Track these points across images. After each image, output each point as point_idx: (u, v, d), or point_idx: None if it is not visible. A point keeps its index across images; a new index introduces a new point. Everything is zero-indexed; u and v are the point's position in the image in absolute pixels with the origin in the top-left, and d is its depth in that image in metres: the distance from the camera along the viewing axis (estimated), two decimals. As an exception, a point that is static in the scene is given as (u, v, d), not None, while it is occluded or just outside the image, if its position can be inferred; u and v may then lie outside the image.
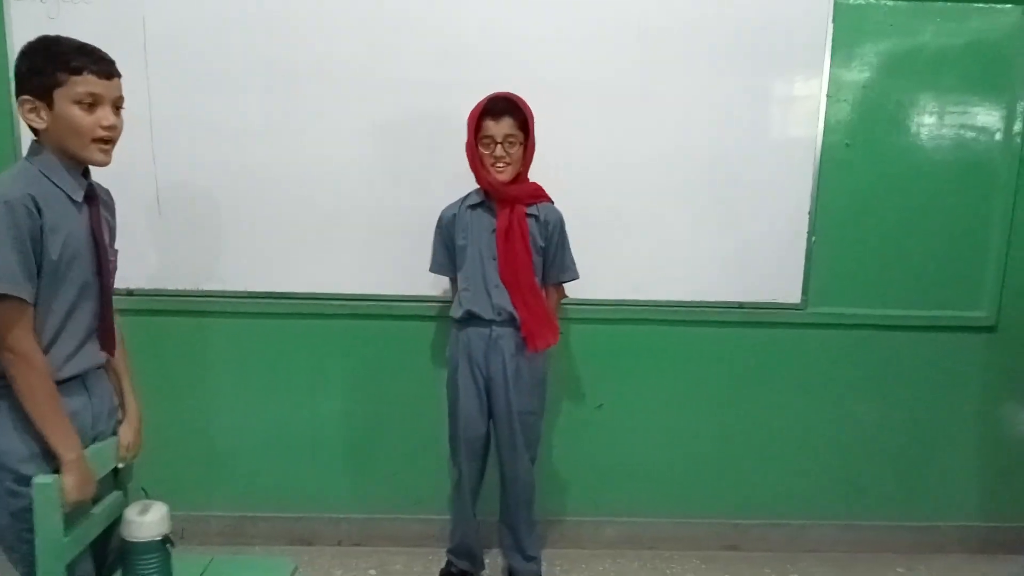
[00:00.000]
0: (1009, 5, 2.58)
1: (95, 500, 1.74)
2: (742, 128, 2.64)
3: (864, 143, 2.65)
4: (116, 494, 1.86)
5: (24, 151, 2.42)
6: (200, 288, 2.63)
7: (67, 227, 1.61)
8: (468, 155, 2.32)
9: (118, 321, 1.87)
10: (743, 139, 2.64)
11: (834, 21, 2.55)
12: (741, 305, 2.73)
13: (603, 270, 2.66)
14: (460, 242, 2.37)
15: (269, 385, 2.73)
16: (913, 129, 2.66)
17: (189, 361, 2.71)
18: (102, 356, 1.79)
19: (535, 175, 2.41)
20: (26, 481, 1.58)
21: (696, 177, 2.66)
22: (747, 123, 2.64)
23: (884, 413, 2.84)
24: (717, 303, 2.73)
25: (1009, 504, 2.93)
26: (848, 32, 2.57)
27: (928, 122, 2.66)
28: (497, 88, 2.44)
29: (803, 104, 2.62)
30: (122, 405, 1.89)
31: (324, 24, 2.51)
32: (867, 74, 2.62)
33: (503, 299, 2.35)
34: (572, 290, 2.61)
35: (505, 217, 2.33)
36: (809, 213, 2.66)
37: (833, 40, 2.57)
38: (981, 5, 2.59)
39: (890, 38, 2.60)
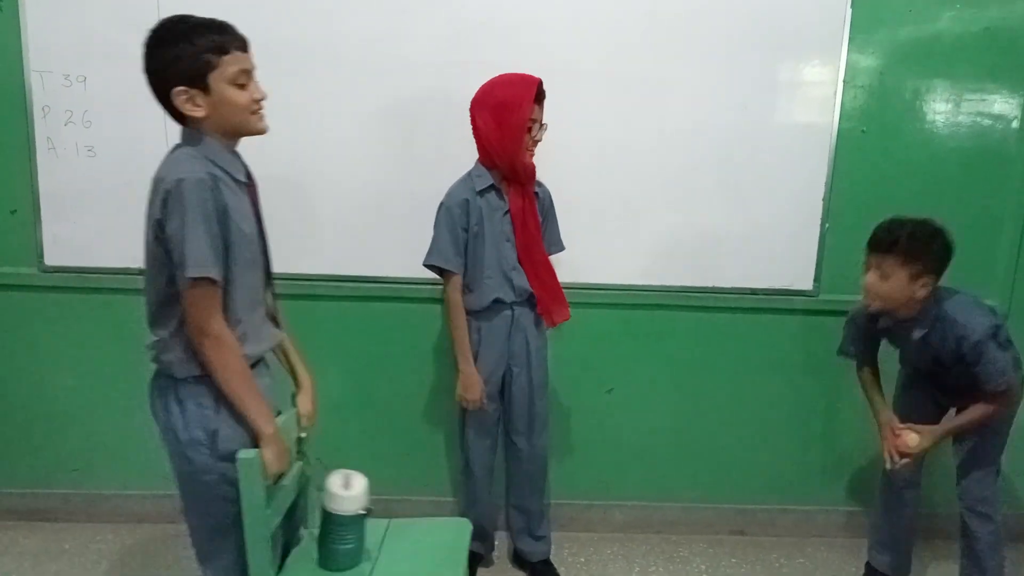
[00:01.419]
0: (1028, -8, 2.56)
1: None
2: (757, 114, 2.63)
3: (879, 130, 2.64)
4: (299, 464, 1.87)
5: (36, 132, 2.49)
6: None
7: (239, 208, 1.61)
8: (509, 137, 2.23)
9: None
10: (758, 125, 2.63)
11: (852, 6, 2.53)
12: (753, 291, 2.73)
13: (613, 255, 2.67)
14: (474, 228, 2.32)
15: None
16: (929, 116, 2.65)
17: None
18: (279, 334, 1.82)
19: (547, 157, 2.40)
20: (231, 460, 1.60)
21: (709, 162, 2.65)
22: (762, 109, 2.63)
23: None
24: (729, 289, 2.73)
25: (1015, 494, 2.93)
26: (866, 18, 2.55)
27: (944, 109, 2.65)
28: (506, 70, 2.44)
29: (819, 90, 2.60)
30: (295, 377, 1.91)
31: (332, 5, 2.49)
32: (884, 60, 2.60)
33: (522, 280, 2.36)
34: (583, 275, 2.62)
35: (519, 198, 2.33)
36: (823, 200, 2.66)
37: (851, 26, 2.55)
38: (999, -8, 2.57)
39: (908, 24, 2.58)
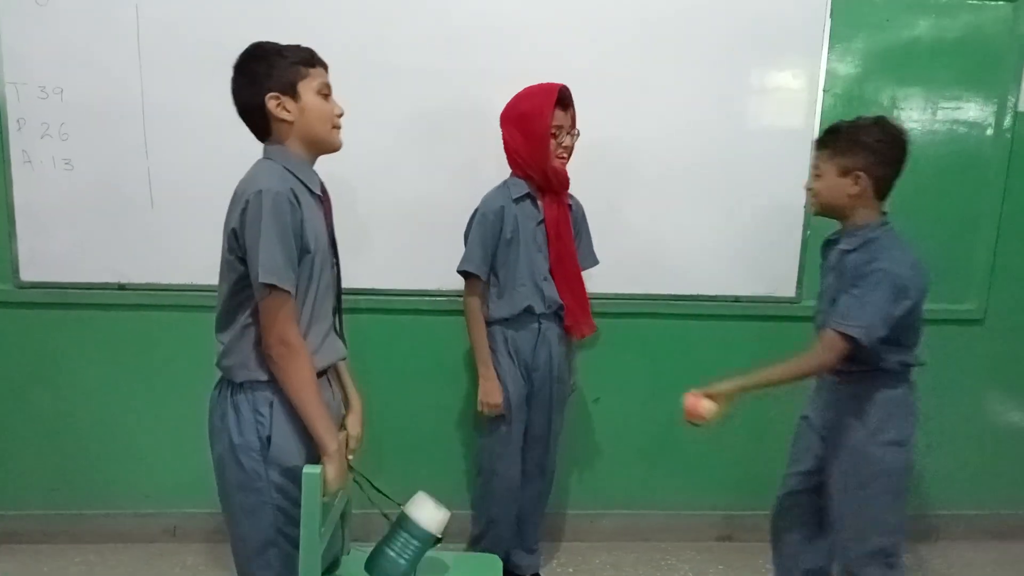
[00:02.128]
0: (1001, 1, 2.62)
1: None
2: (739, 121, 2.65)
3: (859, 137, 2.68)
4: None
5: (11, 145, 2.44)
6: (194, 283, 2.58)
7: (314, 221, 1.63)
8: (535, 146, 2.25)
9: None
10: (740, 132, 2.66)
11: (832, 16, 2.57)
12: (737, 299, 2.75)
13: (600, 263, 2.67)
14: (508, 236, 2.29)
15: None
16: (906, 123, 2.67)
17: (183, 358, 2.65)
18: (343, 349, 1.82)
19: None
20: (291, 474, 1.61)
21: (692, 170, 2.67)
22: (744, 116, 2.66)
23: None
24: (713, 296, 2.75)
25: (997, 492, 3.00)
26: (845, 27, 2.59)
27: (921, 116, 2.70)
28: (494, 76, 2.47)
29: (800, 97, 2.64)
30: (345, 398, 1.88)
31: (322, 11, 2.47)
32: (863, 68, 2.64)
33: (552, 291, 2.34)
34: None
35: (553, 208, 2.32)
36: (804, 206, 2.69)
37: (831, 34, 2.58)
38: (974, 1, 2.62)
39: (885, 33, 2.62)
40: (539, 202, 2.32)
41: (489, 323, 2.36)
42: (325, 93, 1.69)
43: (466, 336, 2.40)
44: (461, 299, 2.57)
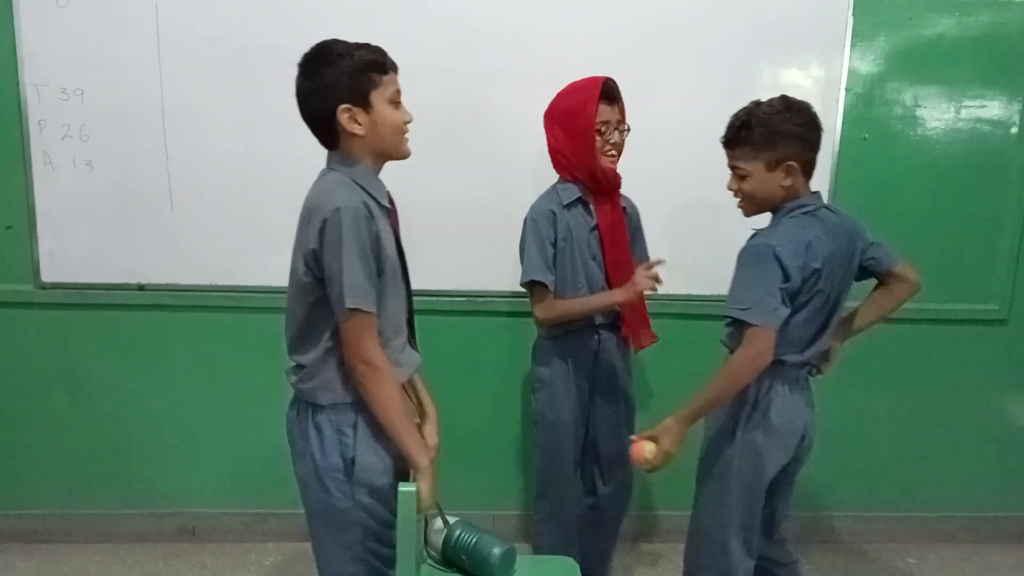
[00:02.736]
0: (1025, -1, 2.59)
1: None
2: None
3: (881, 136, 2.65)
4: None
5: (32, 147, 2.45)
6: (214, 283, 2.59)
7: (386, 234, 1.60)
8: (580, 144, 2.12)
9: None
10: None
11: (853, 14, 2.55)
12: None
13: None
14: (561, 243, 2.16)
15: (282, 381, 2.67)
16: (929, 123, 2.66)
17: (202, 359, 2.67)
18: (419, 359, 1.79)
19: (544, 165, 2.38)
20: (378, 494, 1.61)
21: (711, 170, 2.63)
22: (764, 116, 2.63)
23: (895, 405, 2.86)
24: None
25: (1018, 493, 2.96)
26: (867, 25, 2.57)
27: (944, 116, 2.67)
28: (507, 76, 2.46)
29: (821, 96, 2.61)
30: (420, 407, 1.85)
31: (336, 12, 2.46)
32: (885, 67, 2.62)
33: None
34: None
35: (607, 213, 2.20)
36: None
37: (853, 33, 2.56)
38: (997, -1, 2.59)
39: (908, 31, 2.60)
40: (591, 206, 2.19)
41: (542, 335, 2.27)
42: (396, 101, 1.62)
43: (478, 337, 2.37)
44: (480, 299, 2.58)
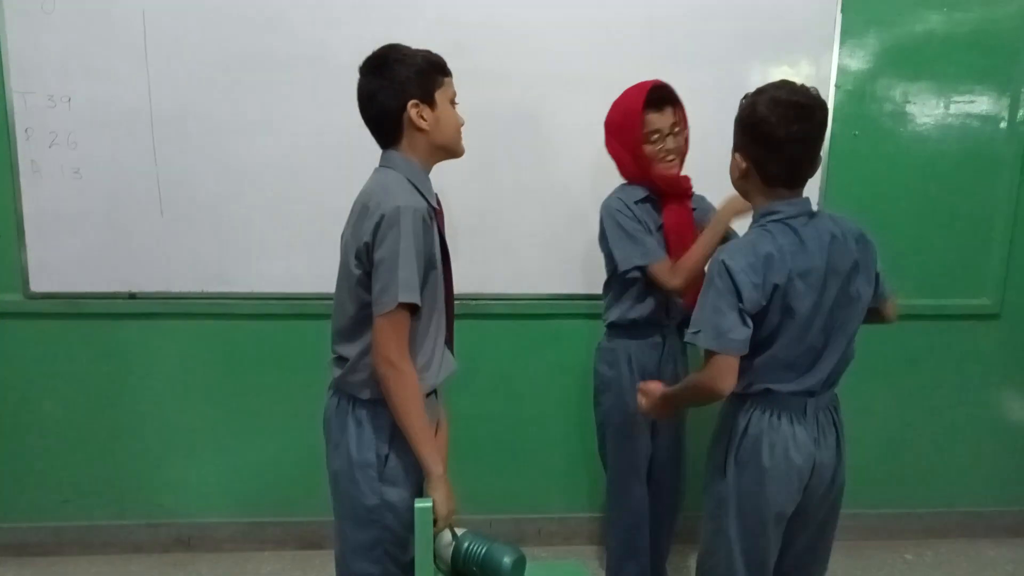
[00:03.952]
0: (1013, -6, 2.60)
1: None
2: (750, 119, 2.63)
3: (871, 133, 2.66)
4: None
5: (19, 155, 2.42)
6: (205, 291, 2.57)
7: (434, 238, 1.62)
8: (633, 154, 2.12)
9: None
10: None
11: (842, 11, 2.55)
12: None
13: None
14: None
15: (276, 388, 2.67)
16: (919, 118, 2.67)
17: (194, 367, 2.65)
18: (455, 364, 1.80)
19: (540, 167, 2.39)
20: (403, 496, 1.63)
21: (704, 169, 2.63)
22: (755, 114, 2.63)
23: (889, 401, 2.86)
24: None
25: (1014, 488, 2.97)
26: (857, 22, 2.57)
27: (934, 111, 2.67)
28: (502, 79, 2.45)
29: (811, 94, 2.61)
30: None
31: (327, 15, 2.45)
32: (875, 64, 2.62)
33: (678, 303, 2.18)
34: (583, 286, 2.60)
35: (674, 213, 2.17)
36: (818, 203, 2.66)
37: (842, 30, 2.56)
38: (986, -6, 2.60)
39: (897, 28, 2.60)
40: (659, 206, 2.17)
41: (609, 331, 2.25)
42: (454, 102, 1.70)
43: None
44: (474, 302, 2.58)
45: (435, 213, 1.67)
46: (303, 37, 2.45)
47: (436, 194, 1.71)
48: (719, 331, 1.58)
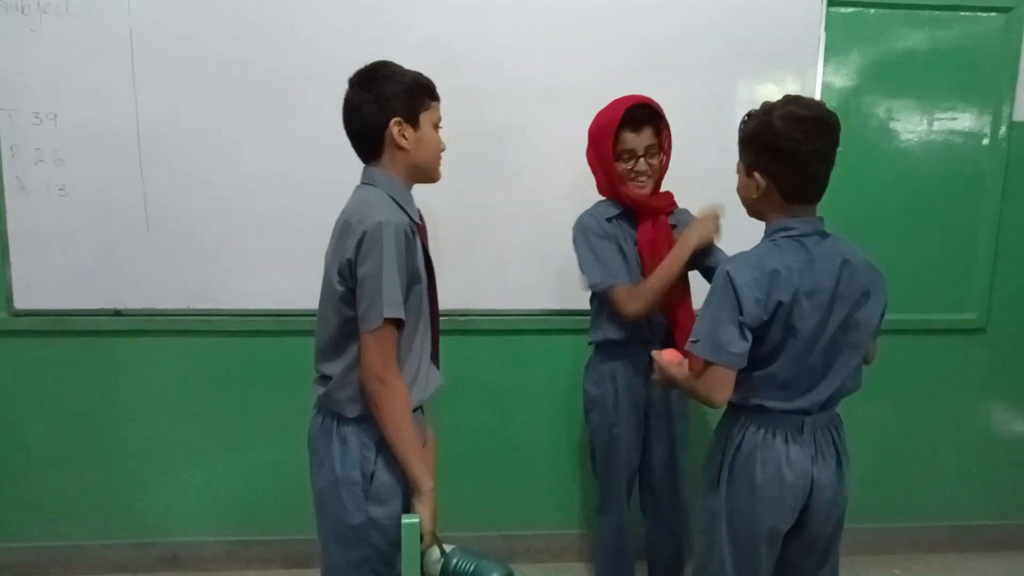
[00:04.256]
0: (994, 13, 2.63)
1: None
2: (735, 136, 2.63)
3: (856, 149, 2.67)
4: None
5: (4, 172, 2.42)
6: (191, 307, 2.56)
7: (417, 253, 1.62)
8: (603, 169, 2.12)
9: None
10: (736, 147, 2.64)
11: (826, 29, 2.57)
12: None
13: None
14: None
15: (263, 405, 2.66)
16: (903, 135, 2.70)
17: (180, 384, 2.63)
18: (441, 379, 1.79)
19: (528, 184, 2.39)
20: (389, 514, 1.62)
21: (687, 185, 2.65)
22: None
23: (876, 415, 2.85)
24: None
25: (1001, 501, 2.98)
26: (840, 39, 2.60)
27: (917, 128, 2.70)
28: (490, 97, 2.47)
29: (796, 111, 2.64)
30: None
31: (313, 33, 2.45)
32: (858, 81, 2.65)
33: (658, 317, 2.15)
34: (571, 299, 2.61)
35: (648, 230, 2.14)
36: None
37: (825, 48, 2.59)
38: (967, 13, 2.63)
39: (880, 45, 2.63)
40: (635, 222, 2.15)
41: (595, 350, 2.25)
42: (439, 127, 1.72)
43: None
44: (462, 318, 2.58)
45: (418, 228, 1.67)
46: (290, 55, 2.46)
47: (419, 209, 1.72)
48: (718, 343, 1.58)
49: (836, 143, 1.62)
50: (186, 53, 2.42)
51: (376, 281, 1.51)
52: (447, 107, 2.39)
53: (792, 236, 1.62)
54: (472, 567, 1.64)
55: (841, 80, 2.64)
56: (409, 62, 2.51)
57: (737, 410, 1.71)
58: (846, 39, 2.61)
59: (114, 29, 2.38)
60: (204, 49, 2.43)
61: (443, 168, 2.43)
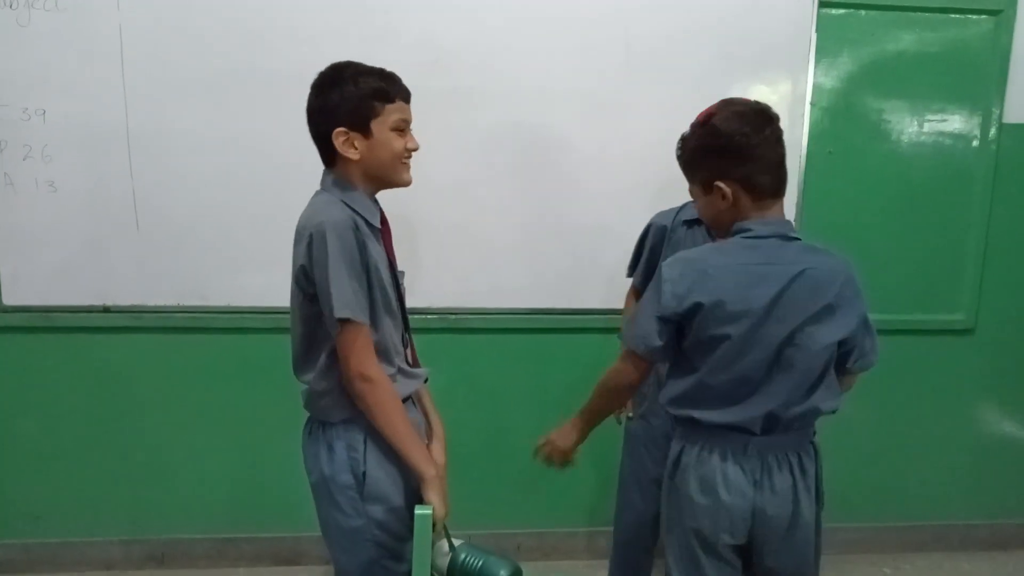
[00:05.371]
0: (984, 15, 2.64)
1: None
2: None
3: (846, 150, 2.69)
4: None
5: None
6: (181, 304, 2.55)
7: (375, 252, 1.60)
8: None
9: None
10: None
11: (817, 30, 2.58)
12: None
13: (591, 279, 2.66)
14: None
15: (253, 402, 2.65)
16: (893, 136, 2.70)
17: (169, 382, 2.63)
18: (424, 372, 1.78)
19: (519, 183, 2.40)
20: (390, 510, 1.63)
21: (681, 186, 2.65)
22: (732, 131, 2.65)
23: (866, 416, 2.86)
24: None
25: (989, 501, 3.00)
26: (831, 41, 2.60)
27: (907, 129, 2.71)
28: (482, 97, 2.48)
29: (787, 112, 2.62)
30: (427, 424, 1.83)
31: (305, 33, 2.44)
32: (849, 82, 2.66)
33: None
34: (562, 300, 2.61)
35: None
36: (794, 220, 2.68)
37: (817, 49, 2.59)
38: (957, 15, 2.64)
39: (871, 47, 2.64)
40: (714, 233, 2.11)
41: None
42: (401, 128, 1.62)
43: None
44: (455, 316, 2.60)
45: (380, 232, 1.66)
46: (281, 54, 2.45)
47: (381, 212, 1.69)
48: (639, 331, 1.58)
49: (781, 132, 1.59)
50: (175, 50, 2.41)
51: (325, 284, 1.50)
52: (440, 107, 2.42)
53: (748, 237, 1.56)
54: (480, 563, 1.64)
55: (832, 81, 2.65)
56: (402, 62, 2.51)
57: (675, 421, 1.67)
58: (837, 41, 2.61)
59: (103, 25, 2.36)
60: (194, 46, 2.42)
61: (435, 168, 2.45)
